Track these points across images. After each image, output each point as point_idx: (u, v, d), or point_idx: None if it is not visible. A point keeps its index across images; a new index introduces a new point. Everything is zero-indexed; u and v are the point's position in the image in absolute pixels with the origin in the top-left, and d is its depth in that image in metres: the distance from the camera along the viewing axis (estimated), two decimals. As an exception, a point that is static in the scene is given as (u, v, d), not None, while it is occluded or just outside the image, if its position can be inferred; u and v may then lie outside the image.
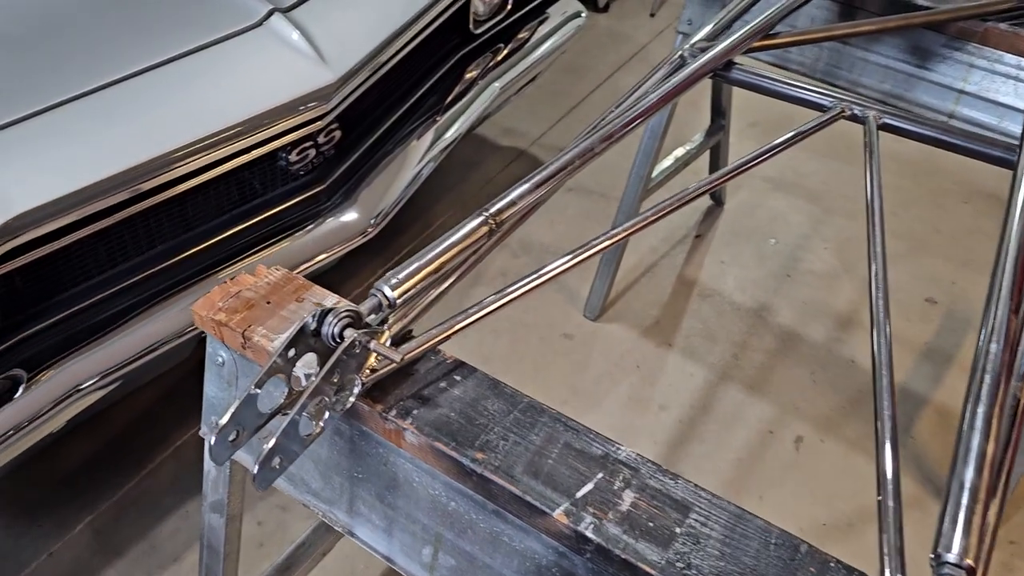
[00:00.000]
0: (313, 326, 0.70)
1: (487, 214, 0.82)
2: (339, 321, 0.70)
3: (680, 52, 1.18)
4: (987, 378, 0.69)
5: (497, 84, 1.91)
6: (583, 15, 2.21)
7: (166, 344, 1.26)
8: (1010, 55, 1.37)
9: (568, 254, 0.84)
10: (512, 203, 0.85)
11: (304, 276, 0.86)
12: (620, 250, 1.98)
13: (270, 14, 1.27)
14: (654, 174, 1.89)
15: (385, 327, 0.74)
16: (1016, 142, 1.00)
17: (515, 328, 2.04)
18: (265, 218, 1.40)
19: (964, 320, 2.06)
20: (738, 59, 1.22)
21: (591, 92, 2.85)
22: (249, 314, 0.82)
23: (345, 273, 2.10)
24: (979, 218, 2.34)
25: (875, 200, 0.98)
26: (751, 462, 1.77)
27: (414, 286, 0.75)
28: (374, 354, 0.71)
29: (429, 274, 0.76)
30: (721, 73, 1.15)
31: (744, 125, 2.56)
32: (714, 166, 2.24)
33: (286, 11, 1.30)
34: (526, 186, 0.87)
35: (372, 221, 1.51)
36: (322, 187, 1.47)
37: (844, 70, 1.53)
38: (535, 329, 2.05)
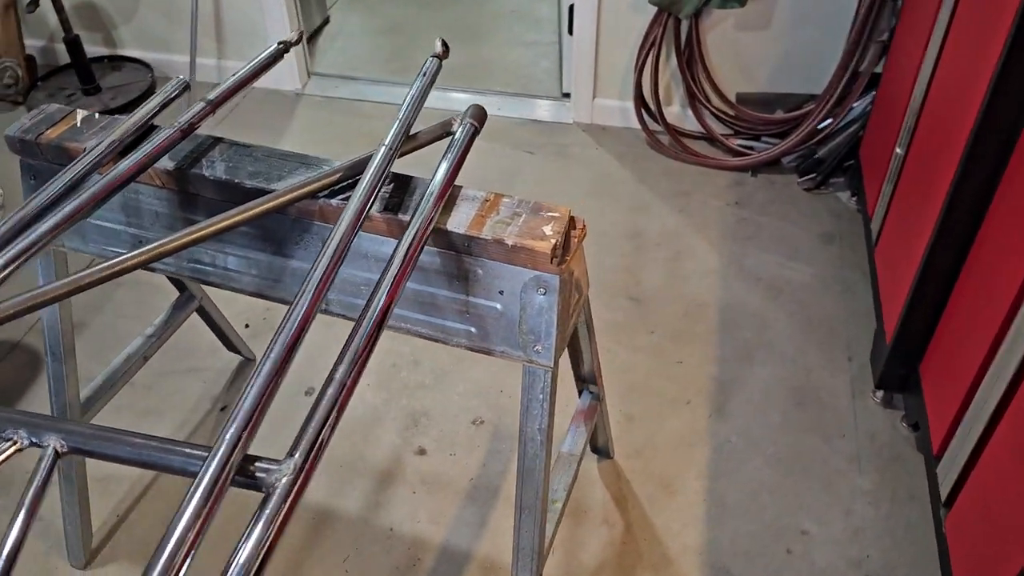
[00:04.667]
0: None
1: None
2: None
3: None
4: None
5: None
6: None
7: None
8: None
9: None
10: None
11: None
12: (78, 486, 1.60)
13: None
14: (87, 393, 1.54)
15: None
16: (203, 453, 0.77)
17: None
18: None
19: (510, 436, 1.90)
20: None
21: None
22: None
23: None
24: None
25: None
26: None
27: None
28: None
29: None
30: None
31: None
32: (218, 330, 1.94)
33: None
34: None
35: None
36: None
37: (208, 265, 1.27)
38: (7, 602, 1.62)
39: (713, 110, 2.72)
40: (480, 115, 1.24)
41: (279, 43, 1.40)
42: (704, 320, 2.16)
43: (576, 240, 1.10)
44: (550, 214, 1.10)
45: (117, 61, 3.12)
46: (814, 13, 2.50)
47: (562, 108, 2.99)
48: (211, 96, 1.25)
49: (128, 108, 2.90)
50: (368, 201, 1.06)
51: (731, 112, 2.72)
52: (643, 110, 2.76)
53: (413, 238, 1.01)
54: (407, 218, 1.10)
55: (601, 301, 2.21)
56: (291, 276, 1.23)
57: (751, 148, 2.69)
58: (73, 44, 2.84)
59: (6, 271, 1.00)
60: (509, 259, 1.08)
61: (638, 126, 2.80)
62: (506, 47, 3.41)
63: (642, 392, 1.98)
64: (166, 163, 1.21)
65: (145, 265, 1.04)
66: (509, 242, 1.06)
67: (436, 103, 3.01)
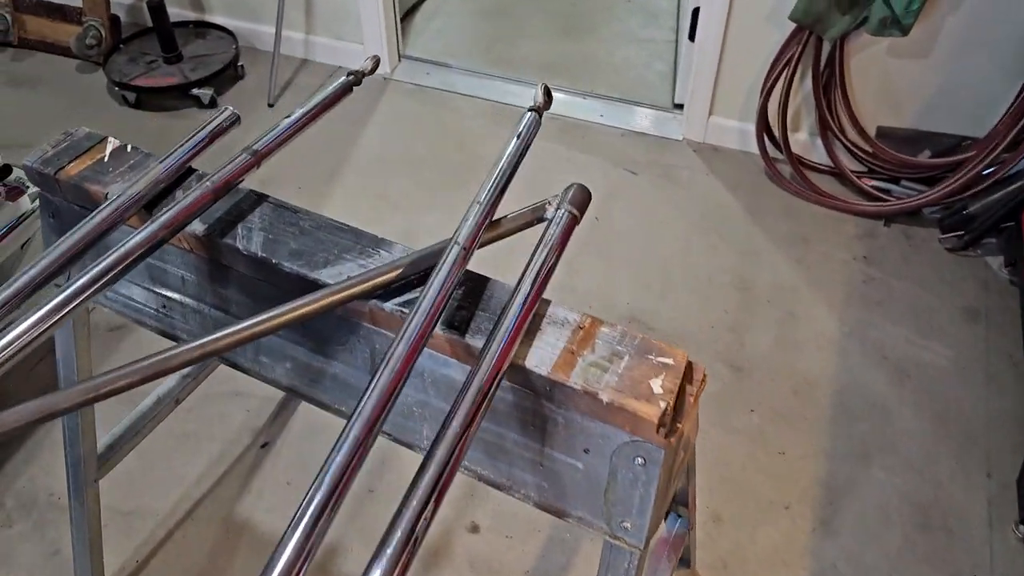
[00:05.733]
0: None
1: None
2: None
3: None
4: None
5: None
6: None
7: None
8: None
9: None
10: None
11: None
12: (89, 529, 1.44)
13: None
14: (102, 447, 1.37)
15: None
16: None
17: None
18: None
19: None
20: None
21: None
22: None
23: None
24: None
25: None
26: None
27: None
28: None
29: None
30: None
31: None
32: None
33: None
34: None
35: None
36: None
37: (238, 354, 1.06)
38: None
39: (847, 143, 2.38)
40: (582, 200, 0.98)
41: (349, 73, 1.16)
42: (815, 402, 1.86)
43: (693, 399, 0.84)
44: (661, 359, 0.84)
45: (202, 28, 2.94)
46: (986, 45, 2.12)
47: (672, 121, 2.68)
48: (256, 146, 1.02)
49: (207, 82, 2.72)
50: (432, 320, 0.82)
51: (868, 148, 2.37)
52: (765, 135, 2.43)
53: (483, 382, 0.77)
54: (477, 345, 0.86)
55: (697, 364, 1.93)
56: (331, 380, 1.00)
57: (887, 192, 2.34)
58: (157, 9, 2.66)
59: (26, 340, 0.81)
60: (602, 416, 0.83)
61: (757, 152, 2.47)
62: (617, 42, 3.10)
63: (735, 487, 1.70)
64: (196, 226, 0.99)
65: (169, 372, 0.83)
66: (604, 398, 0.80)
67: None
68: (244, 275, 1.00)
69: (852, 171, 2.39)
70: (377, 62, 1.20)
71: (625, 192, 2.42)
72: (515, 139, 1.03)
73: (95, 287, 0.87)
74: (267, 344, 1.03)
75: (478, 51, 3.06)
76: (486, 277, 0.93)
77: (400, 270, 0.91)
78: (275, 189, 2.41)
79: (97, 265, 0.88)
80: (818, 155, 2.45)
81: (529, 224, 0.99)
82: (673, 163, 2.53)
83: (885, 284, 2.13)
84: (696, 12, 2.44)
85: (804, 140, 2.46)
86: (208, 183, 0.96)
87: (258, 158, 1.01)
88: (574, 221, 0.97)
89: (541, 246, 0.91)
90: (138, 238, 0.92)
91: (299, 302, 0.87)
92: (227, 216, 1.01)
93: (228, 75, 2.82)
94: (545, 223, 0.97)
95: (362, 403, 0.72)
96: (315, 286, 0.93)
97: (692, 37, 2.50)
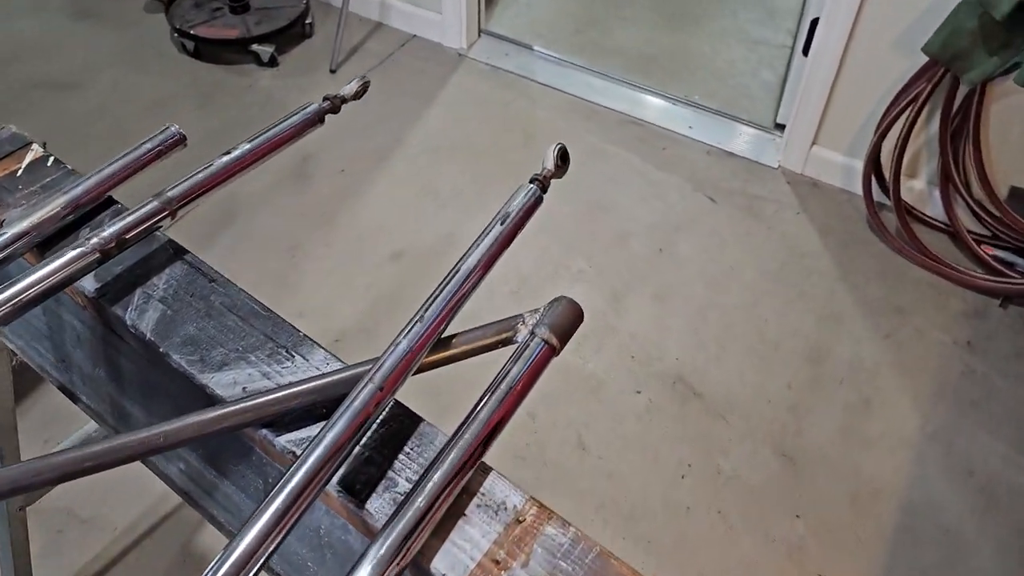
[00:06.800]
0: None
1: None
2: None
3: None
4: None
5: None
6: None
7: None
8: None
9: None
10: None
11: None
12: (14, 539, 1.30)
13: None
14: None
15: None
16: None
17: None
18: None
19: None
20: None
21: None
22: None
23: None
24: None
25: None
26: None
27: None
28: None
29: None
30: None
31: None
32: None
33: None
34: None
35: None
36: None
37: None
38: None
39: (970, 200, 2.02)
40: (568, 323, 0.73)
41: (325, 98, 0.93)
42: (875, 517, 1.57)
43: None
44: (618, 596, 0.60)
45: (276, -23, 2.75)
46: None
47: (770, 144, 2.36)
48: (171, 192, 0.81)
49: (270, 38, 2.54)
50: (325, 475, 0.61)
51: (994, 210, 2.00)
52: (874, 176, 2.09)
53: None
54: (376, 525, 0.64)
55: (742, 448, 1.67)
56: (224, 499, 0.80)
57: (1010, 266, 1.97)
58: (226, -45, 2.49)
59: None
60: (520, 664, 0.60)
61: (860, 193, 2.14)
62: (724, 40, 2.76)
63: (758, 611, 1.45)
64: (88, 282, 0.80)
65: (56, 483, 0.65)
66: (521, 650, 0.57)
67: (611, 102, 2.45)
68: (135, 350, 0.80)
69: (971, 233, 2.03)
70: (365, 86, 0.97)
71: (699, 222, 2.13)
72: (498, 223, 0.79)
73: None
74: (172, 458, 0.83)
75: (566, 34, 2.77)
76: (418, 417, 0.71)
77: (299, 399, 0.69)
78: (316, 168, 2.23)
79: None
80: (933, 209, 2.10)
81: (489, 347, 0.75)
82: (761, 194, 2.22)
83: (988, 381, 1.79)
84: (814, 24, 2.10)
85: (919, 189, 2.11)
86: (97, 239, 0.76)
87: (171, 209, 0.80)
88: (550, 352, 0.73)
89: (497, 384, 0.68)
90: (23, 283, 0.74)
91: (164, 427, 0.66)
92: (128, 274, 0.81)
93: (295, 32, 2.63)
94: (514, 348, 0.73)
95: (231, 547, 0.54)
96: (201, 393, 0.72)
97: (806, 51, 2.17)
